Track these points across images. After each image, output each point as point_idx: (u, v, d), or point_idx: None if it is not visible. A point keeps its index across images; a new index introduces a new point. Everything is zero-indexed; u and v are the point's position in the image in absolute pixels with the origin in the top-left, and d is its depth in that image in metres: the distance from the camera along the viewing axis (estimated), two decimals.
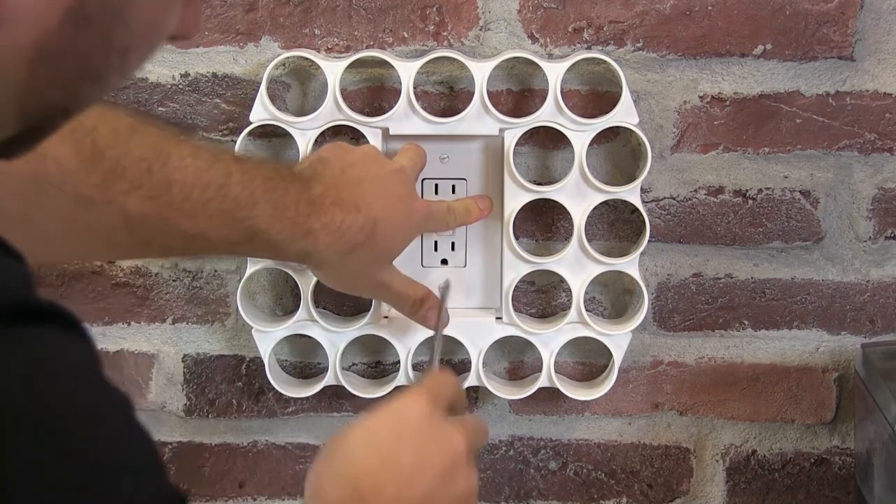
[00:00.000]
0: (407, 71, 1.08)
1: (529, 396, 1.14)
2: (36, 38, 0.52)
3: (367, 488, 0.77)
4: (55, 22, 0.52)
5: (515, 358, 1.17)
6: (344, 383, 1.12)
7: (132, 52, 0.56)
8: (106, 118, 0.91)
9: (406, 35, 1.10)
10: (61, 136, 0.88)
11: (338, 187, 0.98)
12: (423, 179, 1.11)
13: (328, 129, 1.09)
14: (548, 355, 1.12)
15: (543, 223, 1.14)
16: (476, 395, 1.17)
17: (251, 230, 0.95)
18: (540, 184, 1.11)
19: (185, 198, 0.92)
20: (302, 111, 1.12)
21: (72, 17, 0.52)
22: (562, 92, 1.08)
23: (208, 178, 0.93)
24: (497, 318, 1.12)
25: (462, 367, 1.14)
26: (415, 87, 1.08)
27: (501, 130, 1.09)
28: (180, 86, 1.12)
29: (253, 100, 1.09)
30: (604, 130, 1.08)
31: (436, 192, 1.12)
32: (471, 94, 1.08)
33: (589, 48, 1.09)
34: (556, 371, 1.13)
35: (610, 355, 1.13)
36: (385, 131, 1.09)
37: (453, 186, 1.12)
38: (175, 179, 0.91)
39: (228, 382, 1.17)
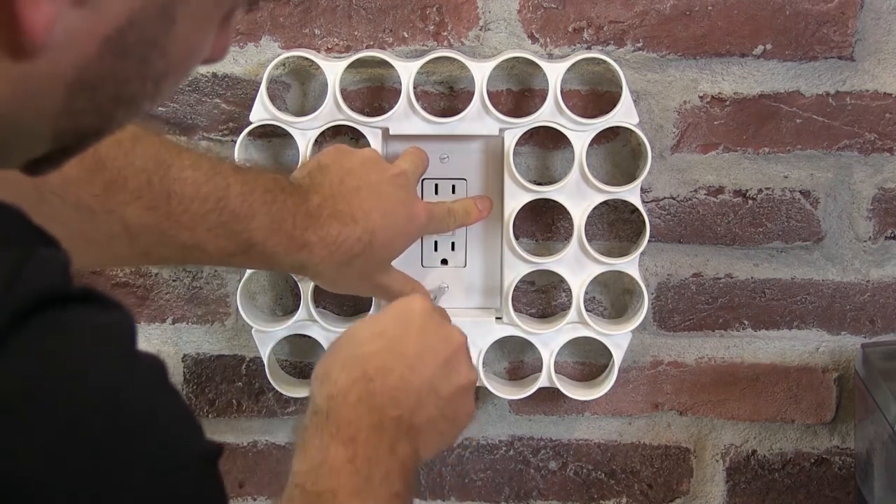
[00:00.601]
0: (407, 71, 1.08)
1: (529, 396, 1.14)
2: (75, 66, 0.52)
3: (374, 369, 0.82)
4: (94, 50, 0.52)
5: (515, 358, 1.17)
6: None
7: (168, 78, 0.57)
8: None
9: (406, 35, 1.10)
10: None
11: (335, 198, 0.98)
12: (424, 179, 1.11)
13: (328, 129, 1.09)
14: (548, 355, 1.12)
15: (543, 223, 1.14)
16: (476, 394, 1.17)
17: (248, 243, 0.95)
18: (540, 184, 1.11)
19: (184, 210, 0.92)
20: (302, 111, 1.12)
21: (111, 46, 0.53)
22: (562, 92, 1.08)
23: (207, 191, 0.93)
24: (497, 318, 1.13)
25: None
26: (415, 87, 1.08)
27: (501, 130, 1.09)
28: (180, 86, 1.12)
29: (253, 100, 1.09)
30: (604, 130, 1.09)
31: (436, 193, 1.12)
32: (471, 94, 1.08)
33: (589, 48, 1.09)
34: (556, 371, 1.13)
35: (610, 355, 1.13)
36: (385, 131, 1.09)
37: (453, 186, 1.12)
38: (174, 191, 0.92)
39: (228, 382, 1.17)
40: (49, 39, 0.50)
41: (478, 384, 1.13)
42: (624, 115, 1.08)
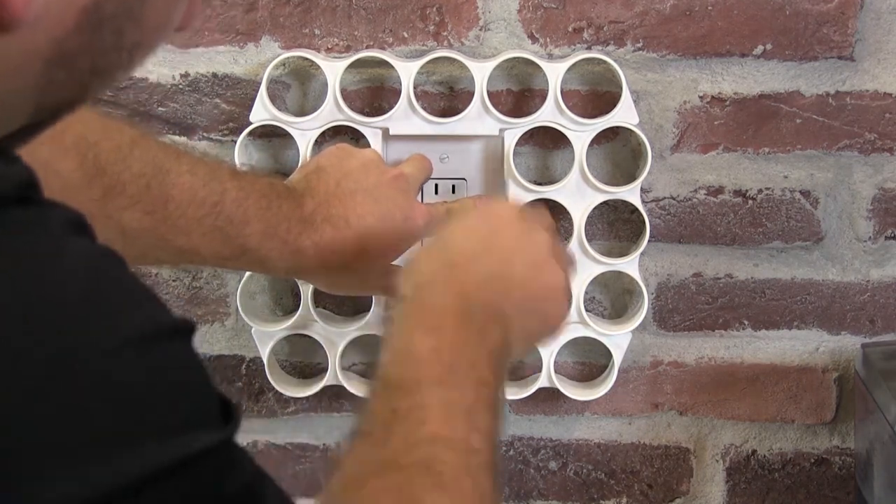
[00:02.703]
0: (407, 71, 1.08)
1: (529, 396, 1.14)
2: (54, 39, 0.53)
3: (462, 258, 0.82)
4: (72, 22, 0.53)
5: (515, 358, 1.17)
6: (344, 383, 1.12)
7: (141, 48, 0.57)
8: (109, 134, 0.91)
9: (406, 35, 1.10)
10: (65, 151, 0.89)
11: (330, 202, 0.98)
12: None
13: (328, 129, 1.09)
14: (547, 355, 1.12)
15: None
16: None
17: (242, 248, 0.95)
18: (540, 184, 1.11)
19: (181, 214, 0.93)
20: (302, 111, 1.12)
21: (88, 18, 0.53)
22: (562, 92, 1.08)
23: (203, 195, 0.94)
24: None
25: None
26: (415, 87, 1.08)
27: (501, 130, 1.09)
28: (180, 86, 1.12)
29: (253, 100, 1.09)
30: (604, 130, 1.09)
31: (436, 192, 1.12)
32: (471, 94, 1.08)
33: (589, 48, 1.09)
34: (555, 371, 1.13)
35: (610, 355, 1.13)
36: (385, 131, 1.09)
37: (453, 186, 1.12)
38: (172, 196, 0.92)
39: (228, 382, 1.17)
40: (28, 15, 0.50)
41: None
42: (624, 115, 1.08)
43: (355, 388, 1.12)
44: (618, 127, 1.09)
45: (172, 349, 0.55)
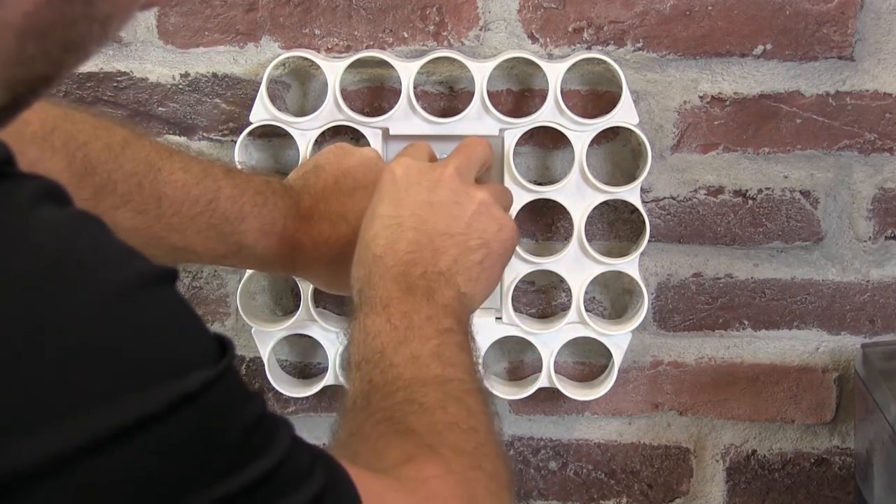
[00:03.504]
0: (407, 71, 1.08)
1: (529, 396, 1.14)
2: (24, 12, 0.53)
3: (381, 249, 0.85)
4: None
5: (515, 358, 1.17)
6: (344, 383, 1.12)
7: (112, 20, 0.57)
8: (99, 133, 0.91)
9: (406, 35, 1.10)
10: (54, 151, 0.88)
11: (328, 199, 0.98)
12: None
13: (328, 129, 1.09)
14: (548, 355, 1.12)
15: (543, 223, 1.14)
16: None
17: (238, 245, 0.95)
18: (540, 184, 1.11)
19: (174, 212, 0.93)
20: (302, 111, 1.12)
21: None
22: (562, 92, 1.08)
23: (197, 193, 0.93)
24: (497, 318, 1.12)
25: None
26: (415, 87, 1.08)
27: (501, 130, 1.09)
28: (180, 86, 1.12)
29: (253, 100, 1.09)
30: (604, 130, 1.09)
31: None
32: (471, 95, 1.08)
33: (589, 48, 1.09)
34: (555, 371, 1.13)
35: (610, 355, 1.13)
36: (385, 131, 1.09)
37: None
38: (165, 194, 0.92)
39: None
40: None
41: None
42: (624, 115, 1.08)
43: None
44: (618, 127, 1.09)
45: (157, 296, 0.55)
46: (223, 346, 0.57)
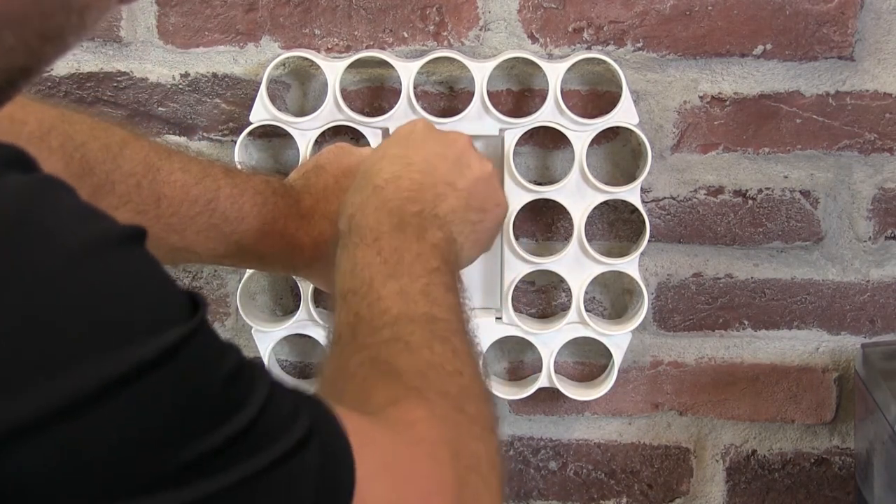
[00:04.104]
0: (407, 71, 1.08)
1: (529, 396, 1.14)
2: (1, 3, 0.53)
3: (384, 181, 0.85)
4: None
5: (515, 358, 1.17)
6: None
7: (90, 10, 0.57)
8: (96, 133, 0.91)
9: (406, 35, 1.10)
10: (50, 151, 0.88)
11: (328, 199, 0.98)
12: None
13: (328, 129, 1.09)
14: (548, 355, 1.12)
15: (543, 223, 1.14)
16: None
17: (238, 245, 0.95)
18: (540, 184, 1.11)
19: (174, 212, 0.92)
20: (302, 111, 1.12)
21: None
22: (562, 92, 1.08)
23: (197, 193, 0.93)
24: (497, 318, 1.12)
25: None
26: (415, 87, 1.08)
27: (501, 130, 1.09)
28: (180, 86, 1.12)
29: (253, 100, 1.09)
30: (604, 130, 1.09)
31: None
32: (471, 94, 1.08)
33: (589, 48, 1.09)
34: (555, 371, 1.13)
35: (610, 355, 1.13)
36: (385, 131, 1.09)
37: None
38: (164, 194, 0.92)
39: None
40: None
41: None
42: (624, 115, 1.08)
43: None
44: (618, 127, 1.09)
45: (127, 253, 0.54)
46: (195, 301, 0.56)
